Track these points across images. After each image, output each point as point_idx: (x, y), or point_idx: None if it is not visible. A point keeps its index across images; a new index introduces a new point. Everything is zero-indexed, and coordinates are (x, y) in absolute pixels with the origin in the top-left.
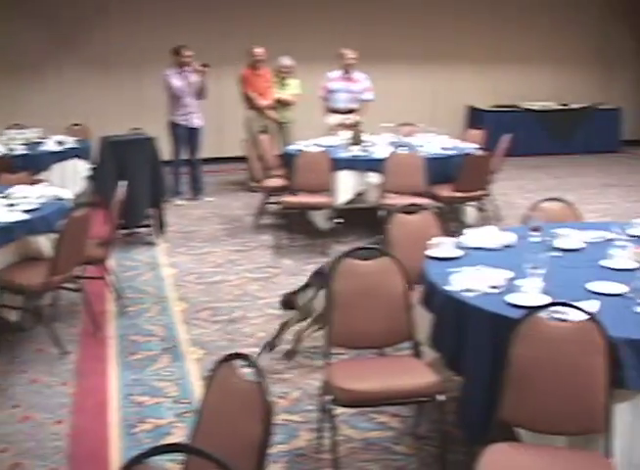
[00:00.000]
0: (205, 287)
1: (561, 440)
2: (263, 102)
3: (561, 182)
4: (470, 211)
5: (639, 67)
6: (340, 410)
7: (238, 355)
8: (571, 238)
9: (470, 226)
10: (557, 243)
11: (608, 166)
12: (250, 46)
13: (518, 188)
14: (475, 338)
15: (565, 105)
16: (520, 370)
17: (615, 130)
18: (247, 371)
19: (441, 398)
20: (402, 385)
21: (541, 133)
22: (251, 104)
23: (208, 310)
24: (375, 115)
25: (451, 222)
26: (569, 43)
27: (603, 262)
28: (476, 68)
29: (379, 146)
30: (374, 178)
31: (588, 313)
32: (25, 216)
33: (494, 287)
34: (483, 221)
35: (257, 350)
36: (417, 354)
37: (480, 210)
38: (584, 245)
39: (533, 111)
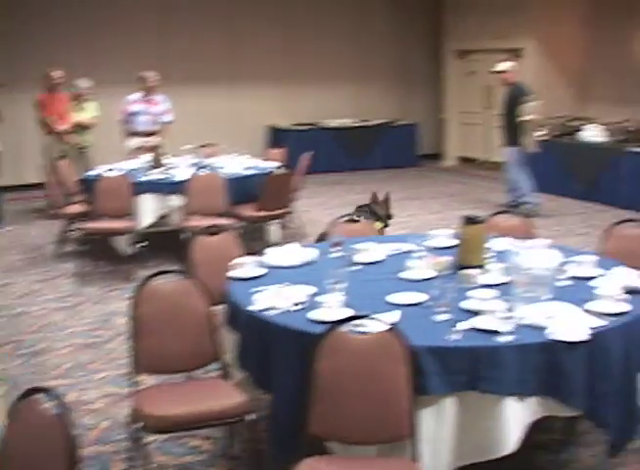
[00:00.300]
0: (7, 320)
1: (371, 449)
2: (61, 126)
3: (362, 198)
4: (274, 230)
5: (434, 84)
6: (151, 437)
7: (39, 390)
8: (370, 252)
9: (274, 244)
10: (357, 257)
11: (406, 181)
12: (47, 69)
13: (320, 205)
14: (280, 355)
15: (363, 122)
16: (325, 384)
17: (412, 145)
18: (49, 405)
19: (251, 417)
20: (211, 407)
21: (340, 150)
22: (48, 129)
23: (11, 344)
24: (176, 136)
25: (256, 241)
26: (368, 61)
27: (402, 274)
28: (277, 87)
29: (180, 168)
30: (176, 201)
31: (388, 324)
32: None
33: (297, 304)
34: (288, 239)
35: (66, 381)
36: (226, 376)
37: (284, 227)
38: (384, 258)
39: (332, 128)
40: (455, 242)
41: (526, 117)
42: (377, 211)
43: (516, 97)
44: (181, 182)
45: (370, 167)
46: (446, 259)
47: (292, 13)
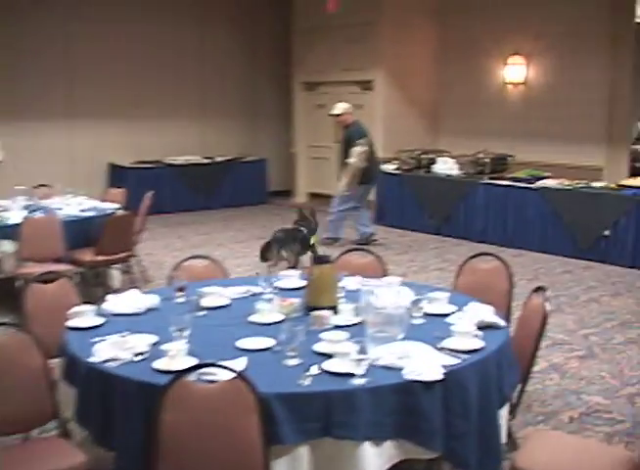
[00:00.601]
0: None
1: None
2: None
3: (209, 238)
4: (116, 275)
5: (284, 117)
6: None
7: None
8: (216, 295)
9: (116, 290)
10: (203, 302)
11: (255, 219)
12: None
13: (164, 247)
14: (123, 410)
15: (209, 158)
16: (172, 438)
17: (261, 182)
18: None
19: None
20: (48, 469)
21: (186, 189)
22: None
23: None
24: (7, 177)
25: (96, 288)
26: (213, 95)
27: (251, 318)
28: (118, 124)
29: (12, 211)
30: (8, 246)
31: (235, 372)
32: None
33: (139, 354)
34: (131, 284)
35: None
36: (66, 434)
37: (127, 272)
38: (230, 301)
39: (177, 166)
40: (304, 283)
41: (351, 160)
42: (311, 226)
43: (350, 139)
44: (13, 226)
45: (217, 206)
46: (296, 301)
47: (133, 47)
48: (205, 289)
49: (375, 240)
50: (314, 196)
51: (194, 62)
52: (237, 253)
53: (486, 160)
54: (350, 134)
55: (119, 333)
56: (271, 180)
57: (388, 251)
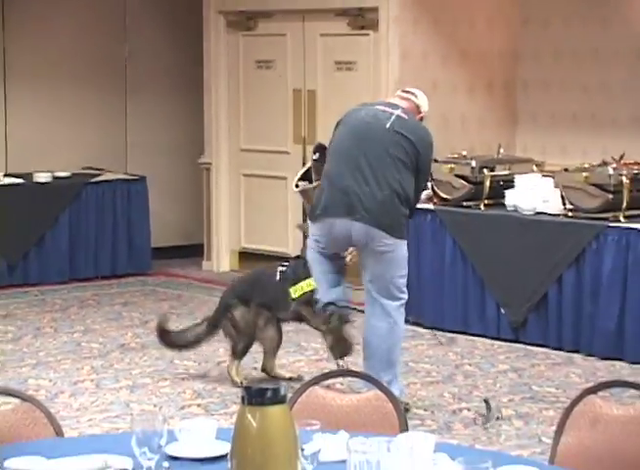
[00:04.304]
0: None
1: None
2: None
3: (19, 348)
4: None
5: (181, 94)
6: None
7: None
8: None
9: None
10: None
11: (122, 308)
12: None
13: None
14: None
15: (20, 177)
16: None
17: (134, 228)
18: None
19: None
20: None
21: None
22: None
23: None
24: None
25: None
26: (22, 48)
27: None
28: None
29: None
30: None
31: None
32: None
33: None
34: None
35: None
36: None
37: None
38: None
39: None
40: (226, 446)
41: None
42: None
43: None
44: None
45: (36, 281)
46: None
47: None
48: (12, 462)
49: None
50: (249, 258)
51: None
52: (81, 381)
53: (624, 178)
54: None
55: None
56: (157, 224)
57: (410, 377)
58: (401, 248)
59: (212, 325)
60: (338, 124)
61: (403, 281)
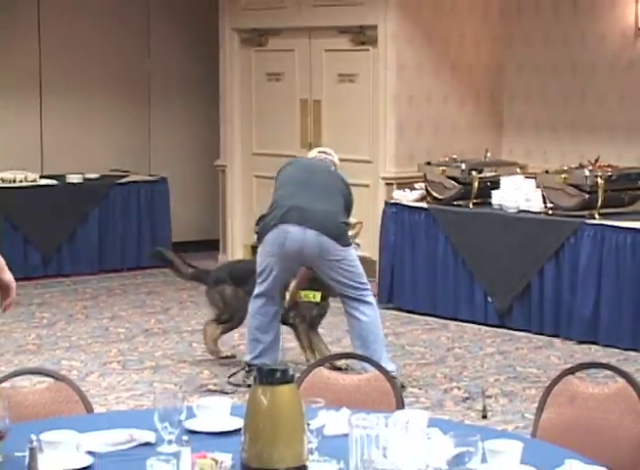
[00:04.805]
0: None
1: None
2: None
3: (54, 333)
4: None
5: (198, 104)
6: None
7: None
8: (67, 448)
9: None
10: (41, 461)
11: (147, 296)
12: None
13: None
14: None
15: (54, 178)
16: None
17: (157, 224)
18: None
19: None
20: None
21: (9, 237)
22: None
23: None
24: None
25: None
26: (59, 63)
27: None
28: None
29: None
30: None
31: None
32: None
33: None
34: None
35: None
36: None
37: None
38: (95, 460)
39: None
40: (239, 421)
41: None
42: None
43: None
44: None
45: (70, 272)
46: (223, 459)
47: None
48: (47, 435)
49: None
50: None
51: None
52: (109, 362)
53: (599, 179)
54: None
55: None
56: (177, 221)
57: (406, 359)
58: (350, 253)
59: (193, 277)
60: (281, 170)
61: (363, 279)
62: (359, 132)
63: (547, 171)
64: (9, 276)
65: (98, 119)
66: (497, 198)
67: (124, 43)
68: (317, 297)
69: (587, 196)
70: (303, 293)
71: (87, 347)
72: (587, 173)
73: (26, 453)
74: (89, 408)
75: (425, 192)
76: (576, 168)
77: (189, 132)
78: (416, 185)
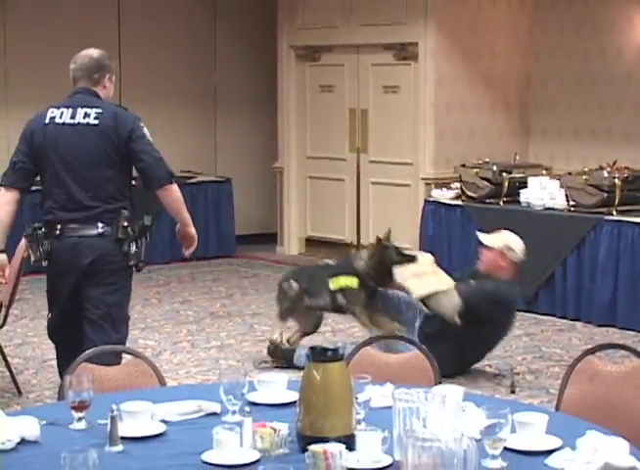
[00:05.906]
0: None
1: None
2: None
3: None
4: None
5: (258, 113)
6: None
7: None
8: (143, 417)
9: None
10: (120, 429)
11: (213, 283)
12: None
13: None
14: None
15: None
16: None
17: (222, 219)
18: None
19: None
20: None
21: None
22: None
23: None
24: None
25: None
26: (137, 76)
27: (204, 456)
28: None
29: None
30: None
31: None
32: None
33: None
34: None
35: None
36: None
37: None
38: (167, 428)
39: None
40: (295, 395)
41: None
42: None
43: None
44: None
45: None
46: (281, 428)
47: None
48: (125, 406)
49: None
50: (314, 244)
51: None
52: (179, 341)
53: (616, 180)
54: None
55: None
56: (240, 216)
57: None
58: None
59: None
60: None
61: None
62: (402, 138)
63: (570, 173)
64: (193, 230)
65: (171, 127)
66: (525, 196)
67: (193, 59)
68: (354, 282)
69: (606, 195)
70: (337, 283)
71: (160, 327)
72: (606, 175)
73: (108, 421)
74: (162, 382)
75: (460, 191)
76: (596, 170)
77: (251, 138)
78: (452, 185)
